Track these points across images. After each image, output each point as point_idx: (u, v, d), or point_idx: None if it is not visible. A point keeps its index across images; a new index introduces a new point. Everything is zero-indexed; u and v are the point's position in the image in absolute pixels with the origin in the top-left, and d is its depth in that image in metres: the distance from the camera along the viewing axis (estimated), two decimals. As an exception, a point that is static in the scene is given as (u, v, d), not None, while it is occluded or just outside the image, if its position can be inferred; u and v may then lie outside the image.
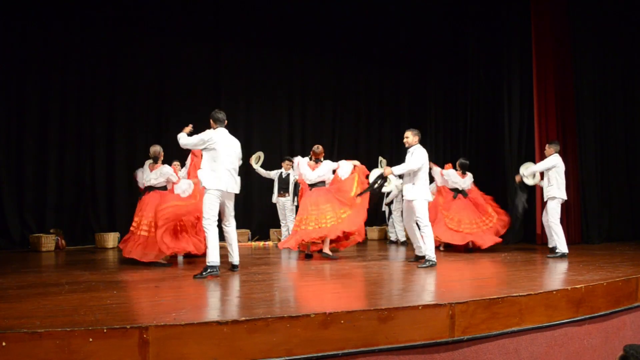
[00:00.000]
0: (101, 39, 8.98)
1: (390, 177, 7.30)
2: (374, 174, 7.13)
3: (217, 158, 5.13)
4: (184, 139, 5.37)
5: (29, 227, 8.34)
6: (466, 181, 7.76)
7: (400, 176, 6.18)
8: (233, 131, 9.95)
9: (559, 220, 6.84)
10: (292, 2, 9.98)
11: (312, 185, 6.90)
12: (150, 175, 6.33)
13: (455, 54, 11.01)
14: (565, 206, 8.58)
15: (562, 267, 5.70)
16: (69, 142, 8.74)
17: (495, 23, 10.10)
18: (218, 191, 5.09)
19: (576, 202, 8.71)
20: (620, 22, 9.18)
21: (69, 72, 8.77)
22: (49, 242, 7.92)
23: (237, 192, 5.29)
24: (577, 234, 8.66)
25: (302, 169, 6.92)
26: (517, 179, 7.43)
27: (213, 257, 4.98)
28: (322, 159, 7.00)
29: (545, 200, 7.03)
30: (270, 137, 10.47)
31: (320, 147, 7.06)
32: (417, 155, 5.92)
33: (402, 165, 5.97)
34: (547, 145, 7.21)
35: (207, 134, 5.19)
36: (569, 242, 8.38)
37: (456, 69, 11.02)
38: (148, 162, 6.45)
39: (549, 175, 6.98)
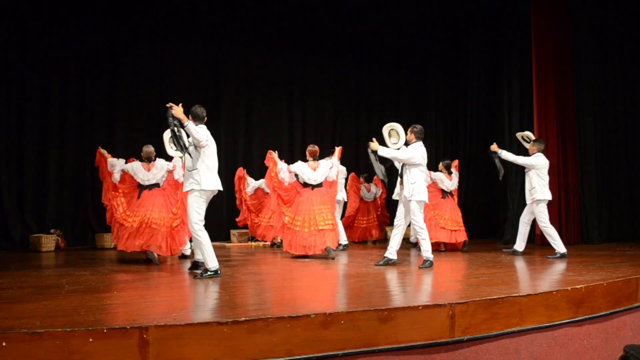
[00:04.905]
0: (101, 39, 8.98)
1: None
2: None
3: (211, 155, 4.95)
4: (202, 134, 4.81)
5: (29, 227, 8.34)
6: (453, 183, 7.86)
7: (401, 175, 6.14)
8: (233, 131, 10.19)
9: (548, 222, 6.82)
10: (292, 3, 9.98)
11: (313, 186, 6.95)
12: (151, 174, 6.36)
13: (455, 54, 11.01)
14: (565, 206, 8.62)
15: (562, 267, 5.70)
16: (69, 142, 8.74)
17: (495, 23, 10.11)
18: (209, 191, 4.94)
19: (576, 202, 8.71)
20: (620, 23, 9.17)
21: (69, 71, 8.77)
22: (49, 242, 7.91)
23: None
24: (577, 234, 8.66)
25: (305, 172, 6.92)
26: (493, 147, 7.14)
27: (213, 262, 4.90)
28: (318, 157, 7.12)
29: (528, 202, 6.97)
30: (271, 137, 10.46)
31: (315, 145, 7.21)
32: (408, 149, 5.91)
33: (391, 150, 5.95)
34: (532, 142, 7.15)
35: (205, 129, 4.97)
36: (569, 242, 8.40)
37: (456, 69, 11.03)
38: (139, 163, 6.43)
39: (530, 176, 6.91)
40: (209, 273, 4.88)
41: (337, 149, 7.29)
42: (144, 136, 9.22)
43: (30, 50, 8.47)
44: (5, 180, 8.24)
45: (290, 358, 3.01)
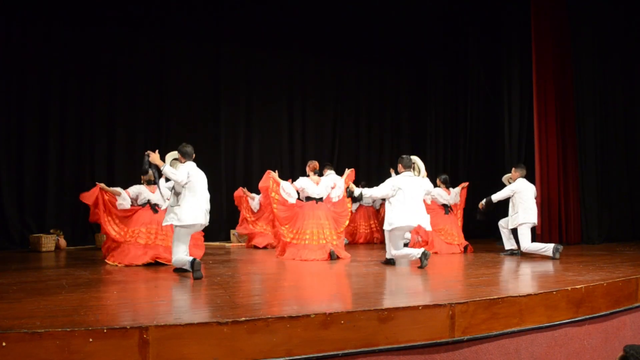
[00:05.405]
0: (101, 40, 8.98)
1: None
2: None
3: (196, 192, 5.08)
4: (180, 175, 5.01)
5: (29, 227, 8.34)
6: (452, 197, 7.87)
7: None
8: (233, 132, 10.19)
9: (530, 244, 6.75)
10: (292, 3, 9.99)
11: (316, 200, 6.99)
12: (156, 195, 6.42)
13: (455, 54, 11.02)
14: (565, 206, 8.62)
15: (562, 267, 5.70)
16: (69, 142, 8.74)
17: (495, 23, 10.12)
18: (194, 225, 5.09)
19: (576, 202, 8.71)
20: (620, 22, 9.18)
21: (69, 72, 8.78)
22: (49, 242, 7.91)
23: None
24: (577, 234, 8.66)
25: (309, 186, 6.95)
26: (480, 205, 7.27)
27: (187, 259, 4.94)
28: (318, 171, 7.19)
29: (512, 227, 6.96)
30: (271, 137, 10.48)
31: (315, 161, 7.28)
32: (384, 183, 6.01)
33: (366, 189, 6.16)
34: (513, 168, 7.21)
35: (186, 168, 5.10)
36: (570, 242, 8.41)
37: (456, 69, 11.03)
38: (140, 186, 6.49)
39: (513, 201, 6.91)
40: (194, 270, 4.81)
41: (347, 172, 7.14)
42: (143, 136, 9.25)
43: (30, 50, 8.47)
44: (5, 180, 8.24)
45: (290, 358, 3.01)
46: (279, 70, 10.56)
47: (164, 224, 5.23)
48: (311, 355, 3.06)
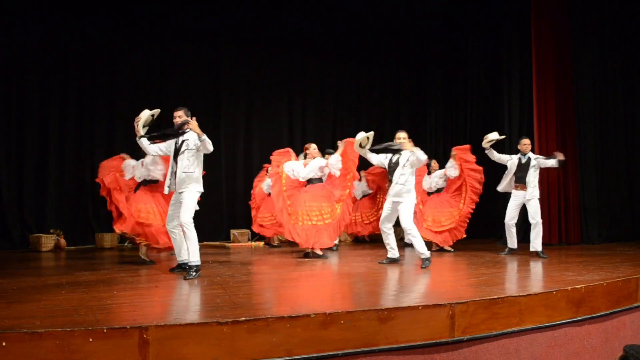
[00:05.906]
0: (101, 40, 8.98)
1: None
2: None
3: (201, 159, 5.24)
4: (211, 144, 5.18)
5: (29, 227, 8.34)
6: (431, 181, 7.84)
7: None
8: (233, 131, 10.19)
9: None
10: (292, 3, 9.99)
11: (307, 182, 7.02)
12: (145, 170, 6.32)
13: (455, 54, 11.01)
14: (565, 206, 8.64)
15: (562, 267, 5.70)
16: (69, 142, 8.74)
17: (495, 23, 10.10)
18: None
19: (576, 202, 8.70)
20: (620, 22, 9.18)
21: (69, 72, 8.77)
22: (49, 242, 7.92)
23: None
24: (577, 234, 8.66)
25: (296, 169, 7.00)
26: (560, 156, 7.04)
27: (198, 257, 4.95)
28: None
29: (526, 198, 6.92)
30: (271, 137, 10.47)
31: (311, 144, 7.30)
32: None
33: (422, 153, 5.80)
34: (525, 140, 7.16)
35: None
36: (570, 242, 8.42)
37: (456, 69, 11.02)
38: (141, 161, 6.41)
39: (534, 173, 6.95)
40: (200, 271, 4.91)
41: (341, 145, 7.08)
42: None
43: (30, 50, 8.47)
44: (5, 180, 8.24)
45: (290, 358, 3.01)
46: (279, 70, 10.56)
47: (179, 190, 5.10)
48: (311, 355, 3.06)
